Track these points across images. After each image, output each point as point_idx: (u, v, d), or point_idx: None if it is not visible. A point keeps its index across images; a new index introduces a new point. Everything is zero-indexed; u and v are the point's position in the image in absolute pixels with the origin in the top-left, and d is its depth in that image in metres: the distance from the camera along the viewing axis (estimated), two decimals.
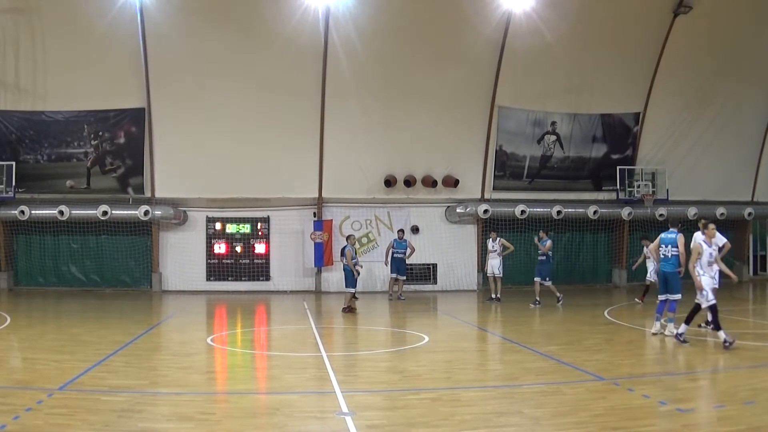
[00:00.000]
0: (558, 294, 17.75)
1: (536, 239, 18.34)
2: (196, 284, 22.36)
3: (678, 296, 11.88)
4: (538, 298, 17.67)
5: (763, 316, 16.00)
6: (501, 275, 18.97)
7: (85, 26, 19.95)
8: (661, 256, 12.13)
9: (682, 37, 22.03)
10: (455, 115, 22.36)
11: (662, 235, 12.30)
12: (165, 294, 21.91)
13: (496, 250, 19.09)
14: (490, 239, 19.47)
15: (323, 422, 6.95)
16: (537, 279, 17.95)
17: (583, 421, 6.67)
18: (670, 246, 11.97)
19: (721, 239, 12.46)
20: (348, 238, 17.56)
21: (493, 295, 18.92)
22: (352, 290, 16.66)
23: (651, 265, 17.63)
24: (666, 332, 11.87)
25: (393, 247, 20.14)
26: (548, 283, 17.81)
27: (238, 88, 21.21)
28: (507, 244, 19.10)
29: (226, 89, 21.17)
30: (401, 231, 20.90)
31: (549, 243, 17.94)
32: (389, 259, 20.03)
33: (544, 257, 17.90)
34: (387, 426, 6.59)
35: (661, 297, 12.15)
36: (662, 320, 12.22)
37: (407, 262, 20.47)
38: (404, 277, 20.29)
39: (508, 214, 22.75)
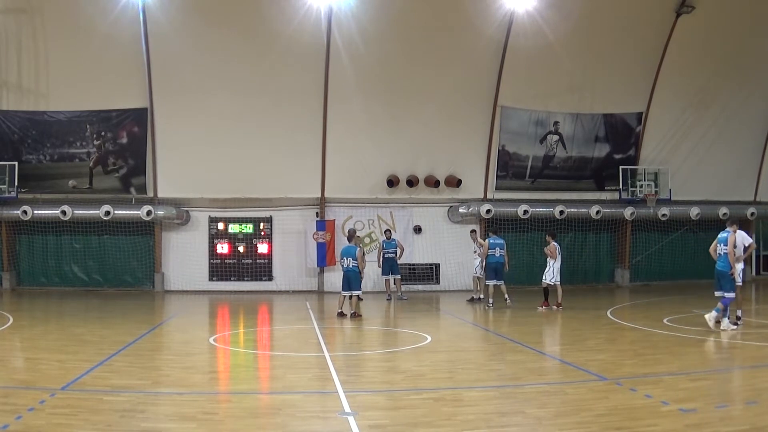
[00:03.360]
0: (488, 298, 17.34)
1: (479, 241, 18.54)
2: (199, 284, 22.38)
3: (732, 294, 12.47)
4: (490, 300, 17.37)
5: (765, 316, 15.93)
6: (478, 275, 18.85)
7: (87, 26, 19.97)
8: (719, 254, 12.71)
9: (684, 36, 21.98)
10: (458, 115, 22.35)
11: (720, 234, 12.93)
12: (167, 294, 21.93)
13: (476, 251, 19.07)
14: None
15: (326, 422, 6.95)
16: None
17: (586, 421, 6.66)
18: (722, 245, 12.63)
19: (747, 239, 13.19)
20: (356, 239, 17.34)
21: (481, 294, 18.82)
22: (347, 293, 15.86)
23: (550, 265, 16.86)
24: (722, 326, 12.33)
25: (383, 248, 20.16)
26: (490, 283, 17.52)
27: (240, 88, 21.20)
28: (482, 242, 18.71)
29: (229, 89, 21.17)
30: (388, 231, 20.96)
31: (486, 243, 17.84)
32: (381, 261, 20.08)
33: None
34: (389, 426, 6.58)
35: (718, 294, 12.67)
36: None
37: (399, 262, 20.30)
38: (399, 275, 20.24)
39: (510, 214, 22.73)
